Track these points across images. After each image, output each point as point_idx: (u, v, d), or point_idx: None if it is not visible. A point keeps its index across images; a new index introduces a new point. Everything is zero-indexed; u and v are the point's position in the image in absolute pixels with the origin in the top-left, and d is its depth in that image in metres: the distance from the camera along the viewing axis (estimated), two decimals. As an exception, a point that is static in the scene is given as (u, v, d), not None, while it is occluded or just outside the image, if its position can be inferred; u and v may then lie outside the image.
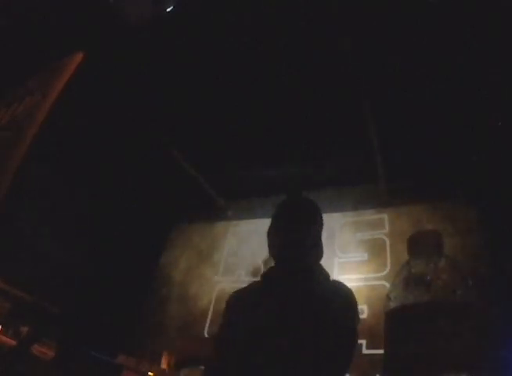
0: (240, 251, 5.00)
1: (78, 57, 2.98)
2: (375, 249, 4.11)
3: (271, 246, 1.39)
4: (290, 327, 1.16)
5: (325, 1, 3.00)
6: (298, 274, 1.29)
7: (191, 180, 5.10)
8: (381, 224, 4.27)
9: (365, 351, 3.42)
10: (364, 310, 3.63)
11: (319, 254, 1.39)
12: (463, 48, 3.01)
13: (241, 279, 4.66)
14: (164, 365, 3.51)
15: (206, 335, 4.39)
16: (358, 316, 1.27)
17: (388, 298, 1.54)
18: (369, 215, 4.42)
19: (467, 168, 3.82)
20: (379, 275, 3.85)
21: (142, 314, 5.05)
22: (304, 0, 3.07)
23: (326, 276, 1.37)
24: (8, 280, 3.68)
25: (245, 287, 1.47)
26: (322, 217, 1.44)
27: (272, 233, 1.39)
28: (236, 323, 1.27)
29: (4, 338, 3.20)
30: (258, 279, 1.42)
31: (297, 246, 1.30)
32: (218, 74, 3.69)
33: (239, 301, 1.39)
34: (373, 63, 3.31)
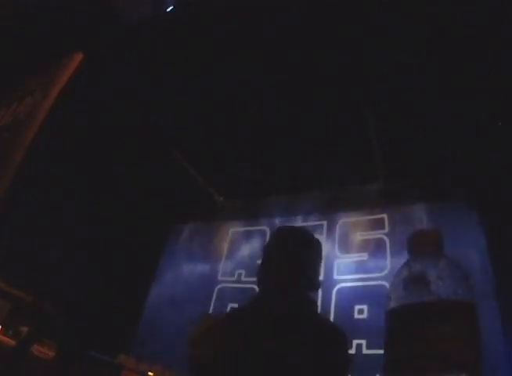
0: (240, 251, 5.00)
1: (78, 57, 2.98)
2: (375, 249, 4.11)
3: (266, 271, 1.33)
4: (286, 352, 1.12)
5: (325, 1, 3.01)
6: (294, 302, 1.25)
7: (191, 180, 5.10)
8: (381, 224, 4.27)
9: (365, 351, 3.42)
10: (364, 310, 3.63)
11: (315, 284, 1.34)
12: (463, 48, 3.01)
13: (241, 279, 4.67)
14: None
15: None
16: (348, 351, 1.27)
17: (388, 297, 1.53)
18: (369, 215, 4.42)
19: (467, 167, 3.82)
20: (379, 275, 3.85)
21: (142, 314, 5.04)
22: (304, 0, 3.07)
23: (316, 306, 1.36)
24: (7, 280, 3.68)
25: (229, 313, 1.42)
26: (321, 247, 1.41)
27: (268, 259, 1.33)
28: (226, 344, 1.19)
29: (4, 338, 3.20)
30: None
31: (297, 275, 1.26)
32: (218, 73, 3.69)
33: (229, 323, 1.31)
34: (373, 63, 3.32)
